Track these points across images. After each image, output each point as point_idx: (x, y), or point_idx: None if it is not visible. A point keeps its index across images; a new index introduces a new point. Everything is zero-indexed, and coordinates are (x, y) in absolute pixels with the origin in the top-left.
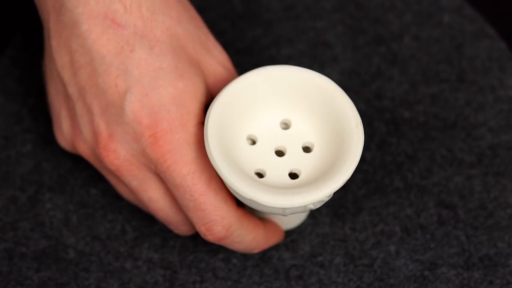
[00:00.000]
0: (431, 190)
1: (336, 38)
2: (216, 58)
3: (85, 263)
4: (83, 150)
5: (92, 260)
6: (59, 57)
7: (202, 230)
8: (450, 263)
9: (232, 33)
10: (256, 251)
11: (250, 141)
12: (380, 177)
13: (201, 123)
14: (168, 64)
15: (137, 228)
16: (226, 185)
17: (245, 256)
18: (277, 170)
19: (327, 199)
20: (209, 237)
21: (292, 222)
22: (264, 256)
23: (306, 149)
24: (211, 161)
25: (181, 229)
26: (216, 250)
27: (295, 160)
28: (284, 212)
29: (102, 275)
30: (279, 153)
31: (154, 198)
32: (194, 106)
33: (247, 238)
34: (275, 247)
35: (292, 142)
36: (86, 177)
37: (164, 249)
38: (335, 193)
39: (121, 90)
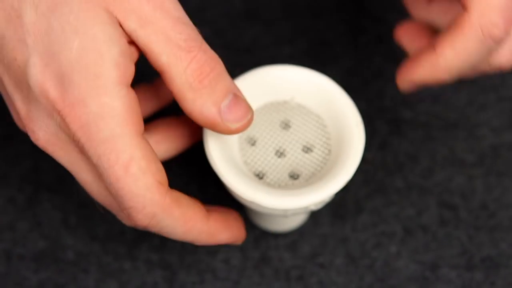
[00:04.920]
0: (432, 190)
1: (336, 37)
2: None
3: (84, 263)
4: (20, 126)
5: (91, 260)
6: None
7: (122, 216)
8: (451, 263)
9: (232, 33)
10: (198, 243)
11: (249, 142)
12: (381, 177)
13: (123, 84)
14: (58, 21)
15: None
16: (226, 187)
17: (245, 257)
18: (277, 171)
19: (328, 199)
20: (131, 223)
21: (293, 223)
22: (264, 256)
23: (307, 150)
24: (210, 163)
25: (121, 216)
26: (216, 250)
27: (295, 160)
28: (285, 213)
29: (101, 275)
30: (279, 154)
31: (88, 181)
32: (101, 67)
33: (179, 230)
34: (275, 248)
35: (292, 143)
36: None
37: (163, 249)
38: (335, 193)
39: (21, 63)
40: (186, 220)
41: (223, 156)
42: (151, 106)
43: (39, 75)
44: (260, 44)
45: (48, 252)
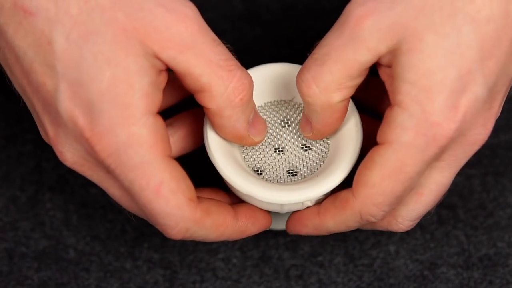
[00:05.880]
0: None
1: None
2: (163, 17)
3: (85, 263)
4: (46, 141)
5: (92, 260)
6: None
7: (159, 229)
8: (449, 263)
9: (232, 33)
10: (230, 240)
11: None
12: None
13: (151, 112)
14: (90, 51)
15: (137, 228)
16: (224, 180)
17: (245, 256)
18: (276, 167)
19: (324, 196)
20: (168, 236)
21: None
22: (264, 255)
23: (305, 147)
24: (209, 157)
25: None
26: (216, 249)
27: (293, 157)
28: (281, 208)
29: (102, 275)
30: (278, 151)
31: (117, 196)
32: (131, 97)
33: (211, 236)
34: (275, 247)
35: (291, 141)
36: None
37: (164, 249)
38: (334, 192)
39: (50, 88)
40: (218, 227)
41: (223, 151)
42: (177, 96)
43: (68, 102)
44: (260, 45)
45: (49, 251)
